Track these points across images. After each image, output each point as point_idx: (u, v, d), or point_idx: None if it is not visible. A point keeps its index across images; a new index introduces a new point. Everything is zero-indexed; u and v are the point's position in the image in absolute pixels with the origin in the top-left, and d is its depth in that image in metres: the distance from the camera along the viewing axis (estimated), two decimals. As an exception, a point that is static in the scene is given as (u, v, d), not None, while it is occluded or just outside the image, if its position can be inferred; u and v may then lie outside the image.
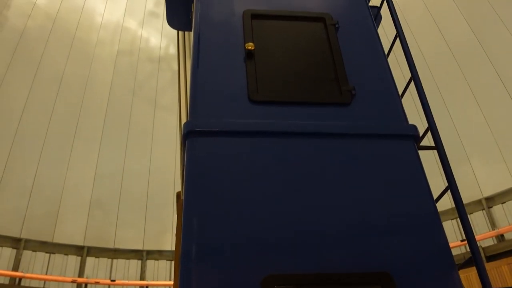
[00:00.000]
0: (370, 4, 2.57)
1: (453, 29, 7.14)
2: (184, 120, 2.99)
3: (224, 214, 1.31)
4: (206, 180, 1.37)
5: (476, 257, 1.36)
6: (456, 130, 6.27)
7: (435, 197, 1.49)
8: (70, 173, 6.75)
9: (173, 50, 7.94)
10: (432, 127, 1.65)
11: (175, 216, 2.71)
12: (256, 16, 1.78)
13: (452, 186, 1.51)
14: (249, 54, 1.62)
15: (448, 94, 6.56)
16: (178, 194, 2.52)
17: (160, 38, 7.94)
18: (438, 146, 1.61)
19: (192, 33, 2.20)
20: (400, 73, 2.39)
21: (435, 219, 1.37)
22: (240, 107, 1.52)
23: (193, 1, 2.11)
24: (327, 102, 1.58)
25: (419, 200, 1.43)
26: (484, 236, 5.66)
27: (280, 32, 1.77)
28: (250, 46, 1.62)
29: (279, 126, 1.49)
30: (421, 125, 1.98)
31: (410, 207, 1.41)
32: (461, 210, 1.45)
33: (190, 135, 1.42)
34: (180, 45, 3.06)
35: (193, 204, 1.32)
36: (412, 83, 1.85)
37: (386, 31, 2.87)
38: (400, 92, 1.81)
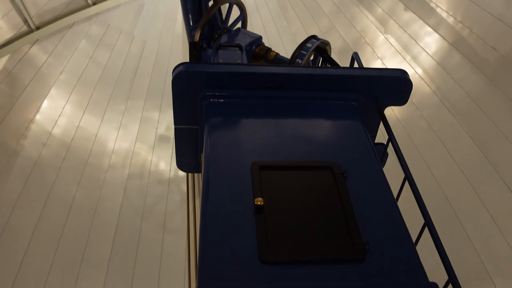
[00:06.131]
0: (376, 140, 2.62)
1: (457, 145, 7.26)
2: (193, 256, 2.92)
3: None
4: None
5: None
6: (474, 248, 6.06)
7: None
8: (74, 304, 6.49)
9: (182, 172, 8.07)
10: (453, 281, 1.58)
11: None
12: (264, 167, 1.80)
13: None
14: (259, 209, 1.60)
15: (460, 210, 6.46)
16: None
17: (170, 161, 8.13)
18: None
19: (201, 175, 2.21)
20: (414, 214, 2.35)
21: None
22: (250, 269, 1.47)
23: (201, 151, 2.16)
24: (340, 260, 1.52)
25: None
26: None
27: (289, 184, 1.78)
28: (259, 201, 1.61)
29: None
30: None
31: None
32: None
33: None
34: (190, 183, 3.10)
35: None
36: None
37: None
38: (414, 239, 1.75)
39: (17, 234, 6.70)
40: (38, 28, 7.42)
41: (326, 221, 1.63)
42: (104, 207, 7.49)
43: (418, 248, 1.80)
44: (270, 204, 1.64)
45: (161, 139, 8.31)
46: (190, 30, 3.80)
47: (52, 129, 7.63)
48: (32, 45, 7.41)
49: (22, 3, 6.97)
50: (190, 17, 3.77)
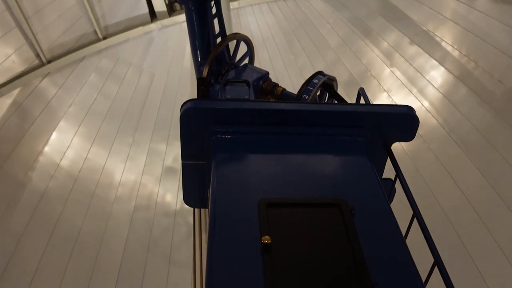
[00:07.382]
0: (384, 175, 2.61)
1: (465, 177, 7.21)
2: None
3: None
4: None
5: None
6: (486, 285, 5.93)
7: None
8: None
9: (189, 204, 8.03)
10: None
11: None
12: (271, 204, 1.78)
13: None
14: (266, 248, 1.59)
15: (471, 245, 6.36)
16: None
17: (177, 193, 8.11)
18: None
19: (208, 211, 2.20)
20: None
21: None
22: None
23: (209, 187, 2.16)
24: None
25: None
26: None
27: (296, 221, 1.76)
28: (266, 239, 1.59)
29: None
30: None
31: None
32: None
33: None
34: (196, 216, 3.09)
35: None
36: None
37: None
38: (424, 279, 1.72)
39: (23, 265, 6.65)
40: (49, 61, 7.57)
41: (334, 261, 1.60)
42: (110, 239, 7.45)
43: (428, 287, 1.77)
44: (277, 242, 1.62)
45: (168, 171, 8.32)
46: (198, 66, 3.86)
47: (60, 161, 7.68)
48: (43, 78, 7.55)
49: (35, 37, 7.14)
50: (199, 53, 3.84)
